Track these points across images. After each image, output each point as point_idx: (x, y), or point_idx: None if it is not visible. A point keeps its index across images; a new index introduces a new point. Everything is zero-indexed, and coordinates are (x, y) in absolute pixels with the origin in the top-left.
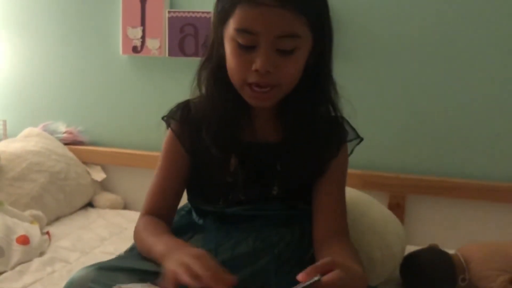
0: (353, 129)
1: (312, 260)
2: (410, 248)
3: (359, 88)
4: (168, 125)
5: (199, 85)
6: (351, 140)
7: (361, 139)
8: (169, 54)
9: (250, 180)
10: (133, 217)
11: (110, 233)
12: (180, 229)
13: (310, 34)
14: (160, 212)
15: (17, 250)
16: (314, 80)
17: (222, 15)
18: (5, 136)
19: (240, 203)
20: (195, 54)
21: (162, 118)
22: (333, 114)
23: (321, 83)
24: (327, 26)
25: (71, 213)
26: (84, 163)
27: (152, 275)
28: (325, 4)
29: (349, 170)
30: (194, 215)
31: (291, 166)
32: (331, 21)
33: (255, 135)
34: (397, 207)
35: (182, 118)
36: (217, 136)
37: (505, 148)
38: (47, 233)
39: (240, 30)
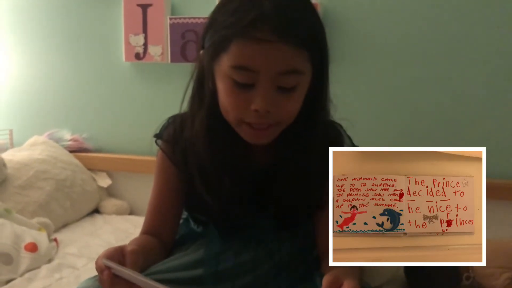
0: (349, 137)
1: (317, 261)
2: None
3: (356, 90)
4: (158, 145)
5: (192, 121)
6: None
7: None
8: (171, 60)
9: (245, 199)
10: (139, 222)
11: (116, 238)
12: (180, 238)
13: (310, 68)
14: (159, 232)
15: (25, 257)
16: (309, 108)
17: (213, 50)
18: (11, 145)
19: (237, 215)
20: (196, 60)
21: (154, 136)
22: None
23: (317, 111)
24: (326, 55)
25: (78, 220)
26: (90, 169)
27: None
28: (323, 31)
29: None
30: (192, 223)
31: (285, 189)
32: (328, 49)
33: (250, 160)
34: None
35: (173, 137)
36: (210, 173)
37: (505, 145)
38: (55, 240)
39: (237, 68)
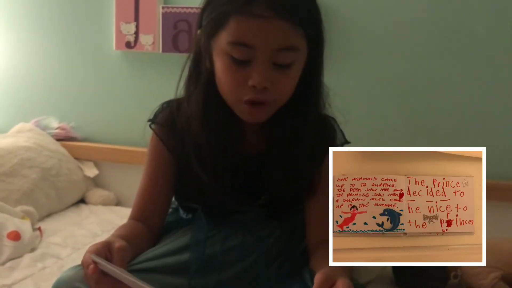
0: (341, 131)
1: (304, 255)
2: None
3: (356, 88)
4: (152, 129)
5: (188, 101)
6: (340, 145)
7: (348, 143)
8: (163, 50)
9: (237, 187)
10: (125, 213)
11: (102, 229)
12: (167, 226)
13: (306, 47)
14: (148, 218)
15: (7, 246)
16: (304, 91)
17: (211, 27)
18: None
19: (229, 201)
20: (189, 50)
21: (148, 121)
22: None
23: (311, 94)
24: (321, 37)
25: (63, 209)
26: (77, 159)
27: (142, 274)
28: (319, 11)
29: None
30: (181, 211)
31: (277, 177)
32: (323, 31)
33: (243, 146)
34: None
35: (167, 122)
36: (206, 153)
37: (501, 145)
38: (39, 229)
39: (234, 43)
